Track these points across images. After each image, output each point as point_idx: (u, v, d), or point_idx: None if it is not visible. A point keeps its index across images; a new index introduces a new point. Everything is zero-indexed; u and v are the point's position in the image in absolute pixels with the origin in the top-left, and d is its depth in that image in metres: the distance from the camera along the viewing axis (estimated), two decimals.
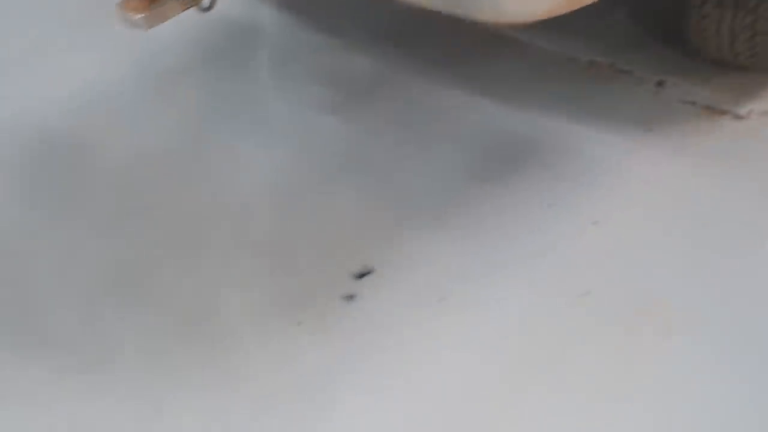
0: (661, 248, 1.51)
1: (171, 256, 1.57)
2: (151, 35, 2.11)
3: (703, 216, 1.56)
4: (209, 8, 1.45)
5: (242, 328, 1.42)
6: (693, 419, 1.26)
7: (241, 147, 1.81)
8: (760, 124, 1.73)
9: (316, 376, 1.35)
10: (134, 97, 1.97)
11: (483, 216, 1.60)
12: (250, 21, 2.14)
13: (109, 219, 1.67)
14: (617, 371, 1.31)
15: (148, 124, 1.91)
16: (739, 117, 1.74)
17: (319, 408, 1.31)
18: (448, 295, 1.45)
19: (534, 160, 1.72)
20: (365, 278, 1.49)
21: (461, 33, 2.08)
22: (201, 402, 1.32)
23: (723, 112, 1.75)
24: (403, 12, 2.10)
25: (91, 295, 1.51)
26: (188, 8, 1.40)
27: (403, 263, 1.52)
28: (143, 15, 1.35)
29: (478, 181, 1.67)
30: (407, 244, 1.56)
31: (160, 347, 1.40)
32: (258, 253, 1.55)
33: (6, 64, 2.11)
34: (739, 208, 1.57)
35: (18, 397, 1.35)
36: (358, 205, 1.65)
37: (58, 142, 1.88)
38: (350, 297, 1.47)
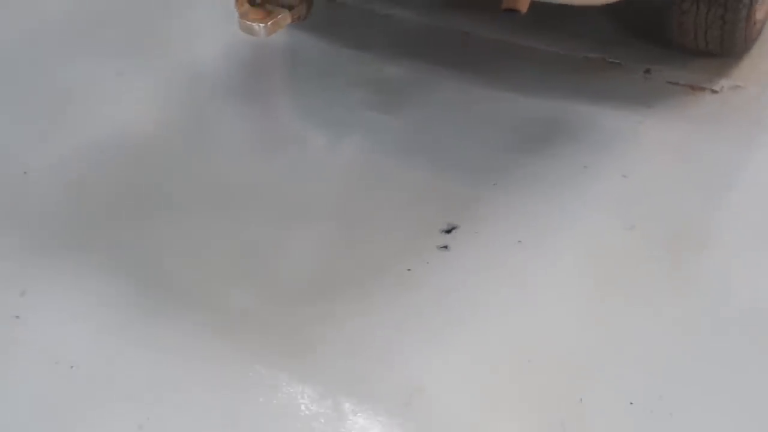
0: (676, 188, 1.90)
1: (294, 231, 1.85)
2: (206, 61, 2.42)
3: (699, 161, 1.99)
4: (305, 18, 1.75)
5: (366, 277, 1.72)
6: (725, 308, 1.63)
7: (317, 144, 2.12)
8: (731, 95, 2.17)
9: (429, 309, 1.65)
10: (210, 111, 2.25)
11: (532, 178, 1.96)
12: (290, 44, 2.45)
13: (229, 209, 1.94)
14: (667, 280, 1.68)
15: (225, 133, 2.19)
16: (714, 91, 2.18)
17: (438, 331, 1.61)
18: (523, 238, 1.79)
19: (562, 135, 2.09)
20: (453, 232, 1.81)
21: (470, 43, 2.47)
22: (341, 330, 1.61)
23: (702, 89, 2.19)
24: (419, 27, 2.50)
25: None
26: (296, 18, 1.70)
27: (479, 218, 1.85)
28: (264, 24, 1.63)
29: (520, 153, 2.03)
30: (479, 203, 1.89)
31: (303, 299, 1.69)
32: (363, 219, 1.85)
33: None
34: (723, 153, 2.01)
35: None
36: (430, 177, 1.97)
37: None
38: (445, 247, 1.78)
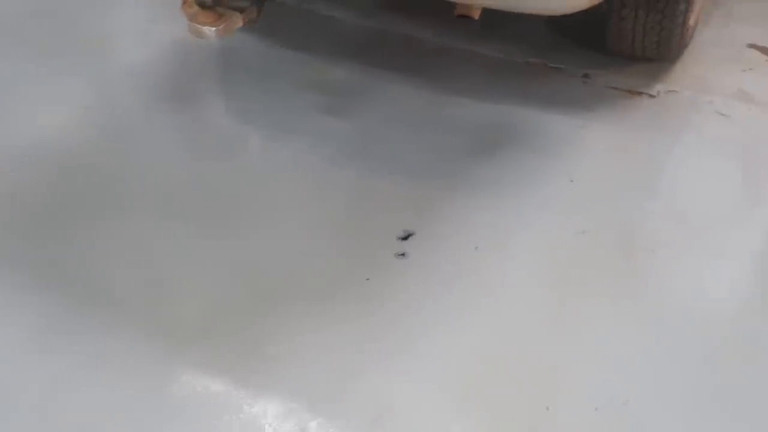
0: (621, 191, 1.95)
1: (242, 242, 1.79)
2: (140, 62, 2.33)
3: (640, 164, 2.05)
4: (256, 21, 1.69)
5: (324, 288, 1.68)
6: (676, 309, 1.69)
7: (261, 149, 2.07)
8: (667, 99, 2.24)
9: (391, 320, 1.63)
10: (149, 117, 2.16)
11: (484, 182, 1.96)
12: (227, 45, 2.37)
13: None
14: (621, 283, 1.72)
15: (163, 139, 2.10)
16: (651, 96, 2.24)
17: (401, 342, 1.59)
18: (479, 244, 1.79)
19: (509, 139, 2.11)
20: (410, 239, 1.80)
21: (413, 46, 2.46)
22: (301, 345, 1.57)
23: (639, 93, 2.25)
24: (361, 30, 2.47)
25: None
26: (246, 21, 1.64)
27: (435, 224, 1.84)
28: (215, 28, 1.57)
29: (470, 157, 2.03)
30: (433, 208, 1.88)
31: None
32: (316, 228, 1.81)
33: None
34: (662, 155, 2.09)
35: None
36: (382, 183, 1.95)
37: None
38: (402, 255, 1.76)
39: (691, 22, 2.28)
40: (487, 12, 1.96)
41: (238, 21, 1.60)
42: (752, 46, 2.44)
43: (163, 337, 1.59)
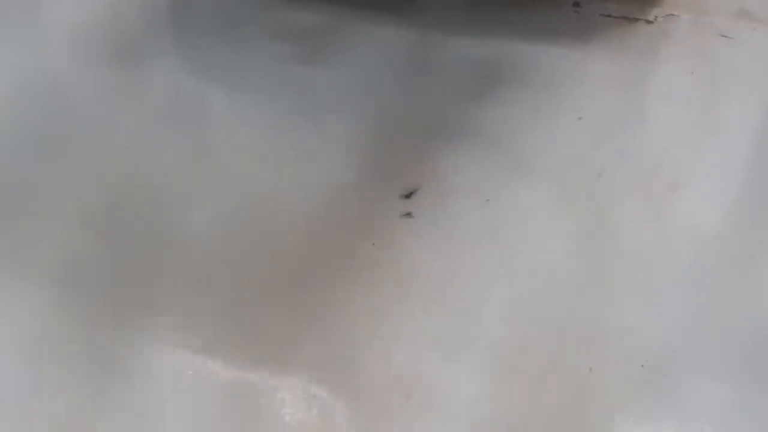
0: (632, 126, 1.80)
1: (234, 216, 1.61)
2: (86, 19, 2.08)
3: (647, 96, 1.90)
4: None
5: (329, 259, 1.51)
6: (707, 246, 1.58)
7: (239, 107, 1.84)
8: (666, 24, 2.09)
9: (404, 287, 1.48)
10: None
11: (485, 128, 1.79)
12: None
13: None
14: (650, 227, 1.59)
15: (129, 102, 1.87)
16: (649, 22, 2.09)
17: (419, 311, 1.44)
18: (490, 196, 1.64)
19: (503, 79, 1.93)
20: (413, 196, 1.63)
21: None
22: (313, 323, 1.41)
23: (636, 20, 2.09)
24: None
25: None
26: None
27: (439, 178, 1.67)
28: None
29: (466, 102, 1.85)
30: (436, 161, 1.71)
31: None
32: (311, 191, 1.63)
33: None
34: (668, 85, 1.93)
35: None
36: (375, 136, 1.77)
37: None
38: (408, 215, 1.60)
39: None
40: None
41: None
42: None
43: (165, 320, 1.42)
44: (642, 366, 1.35)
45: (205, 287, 1.49)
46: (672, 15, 2.18)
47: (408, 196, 1.64)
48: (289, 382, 1.35)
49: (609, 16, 2.18)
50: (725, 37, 2.10)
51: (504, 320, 1.43)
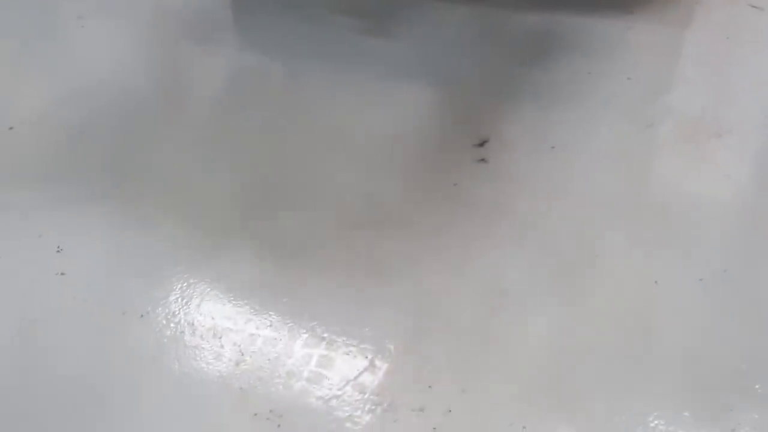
0: (680, 84, 2.01)
1: (329, 165, 1.82)
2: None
3: (690, 57, 2.11)
4: None
5: (415, 196, 1.71)
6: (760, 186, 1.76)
7: (324, 76, 2.06)
8: None
9: (486, 221, 1.67)
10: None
11: (543, 88, 1.99)
12: None
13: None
14: (700, 168, 1.79)
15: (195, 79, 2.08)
16: None
17: (502, 240, 1.64)
18: (555, 144, 1.83)
19: (556, 46, 2.14)
20: (485, 145, 1.83)
21: None
22: (404, 251, 1.60)
23: None
24: None
25: None
26: None
27: (506, 130, 1.87)
28: None
29: (523, 67, 2.06)
30: (502, 116, 1.91)
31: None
32: (394, 141, 1.84)
33: None
34: (703, 44, 2.15)
35: None
36: (444, 96, 1.97)
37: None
38: (483, 160, 1.80)
39: None
40: None
41: None
42: None
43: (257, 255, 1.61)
44: (700, 280, 1.55)
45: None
46: None
47: (481, 144, 1.83)
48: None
49: None
50: (756, 8, 2.29)
51: (574, 245, 1.61)
